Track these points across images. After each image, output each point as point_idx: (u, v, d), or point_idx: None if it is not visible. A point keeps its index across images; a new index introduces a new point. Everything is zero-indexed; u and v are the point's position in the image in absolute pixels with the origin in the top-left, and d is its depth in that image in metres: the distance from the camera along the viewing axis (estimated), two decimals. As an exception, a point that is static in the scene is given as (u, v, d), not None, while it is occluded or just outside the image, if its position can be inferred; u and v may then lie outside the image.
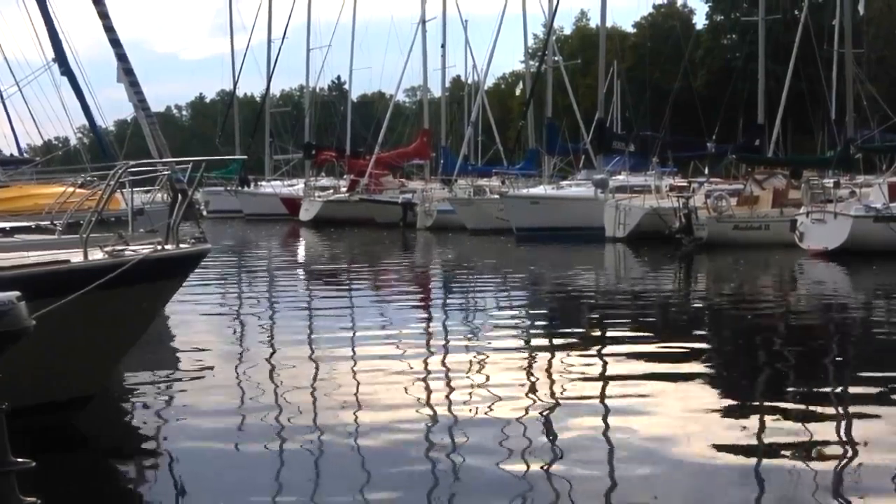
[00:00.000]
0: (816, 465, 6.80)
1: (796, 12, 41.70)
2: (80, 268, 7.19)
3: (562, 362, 10.76)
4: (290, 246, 36.27)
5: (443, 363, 10.86)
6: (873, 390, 9.25)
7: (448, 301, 17.95)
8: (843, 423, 8.19)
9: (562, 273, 23.08)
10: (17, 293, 4.44)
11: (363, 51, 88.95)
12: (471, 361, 10.80)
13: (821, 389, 9.70)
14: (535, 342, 12.56)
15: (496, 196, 38.20)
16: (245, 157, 51.09)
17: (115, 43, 10.48)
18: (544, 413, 8.36)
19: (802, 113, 41.25)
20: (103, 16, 10.36)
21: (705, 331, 13.98)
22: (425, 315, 15.71)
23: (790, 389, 9.60)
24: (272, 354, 11.66)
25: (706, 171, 42.24)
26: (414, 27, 52.41)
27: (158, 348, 11.62)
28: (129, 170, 8.46)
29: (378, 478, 6.66)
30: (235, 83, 63.53)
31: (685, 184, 37.42)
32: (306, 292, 19.67)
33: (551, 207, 35.18)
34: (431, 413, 8.34)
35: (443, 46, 53.48)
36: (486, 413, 8.33)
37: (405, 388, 9.30)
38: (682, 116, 46.50)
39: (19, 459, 4.43)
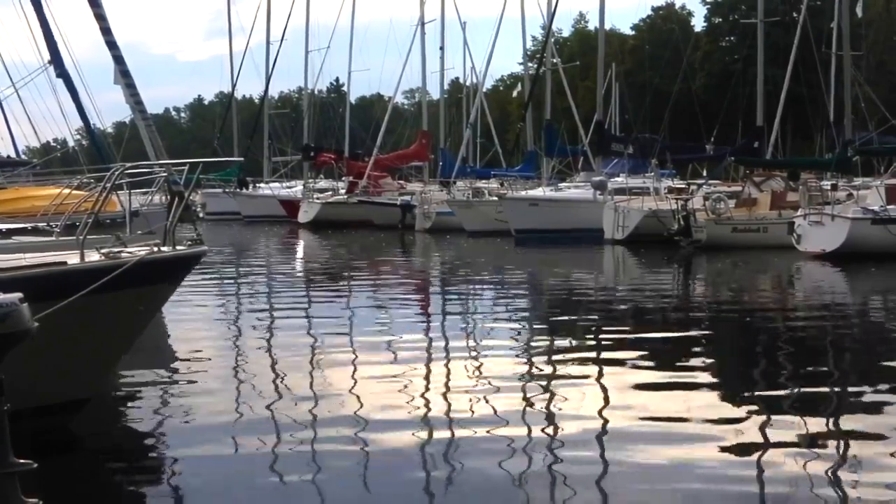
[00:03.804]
0: (815, 476, 6.75)
1: (795, 15, 41.68)
2: (78, 269, 7.18)
3: (560, 370, 10.69)
4: (288, 248, 36.25)
5: (440, 371, 10.79)
6: (875, 398, 9.25)
7: (446, 305, 17.92)
8: (843, 433, 8.15)
9: (561, 276, 23.06)
10: (19, 295, 4.44)
11: (362, 53, 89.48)
12: (469, 367, 10.78)
13: (821, 395, 9.66)
14: (533, 348, 12.45)
15: (495, 198, 38.19)
16: (242, 158, 51.08)
17: (112, 45, 10.51)
18: (543, 420, 8.35)
19: (801, 115, 41.28)
20: (100, 18, 10.38)
21: (704, 335, 13.92)
22: (423, 320, 15.66)
23: (790, 397, 9.56)
24: (270, 356, 11.66)
25: (705, 173, 42.30)
26: (413, 29, 52.47)
27: (155, 350, 11.60)
28: (125, 172, 8.47)
29: (378, 482, 6.65)
30: (234, 85, 63.50)
31: (684, 186, 37.41)
32: (304, 295, 19.65)
33: (550, 209, 35.16)
34: (430, 421, 8.29)
35: (441, 49, 53.58)
36: (485, 418, 8.32)
37: (402, 393, 9.28)
38: (680, 119, 46.56)
39: (21, 460, 4.44)
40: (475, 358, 11.31)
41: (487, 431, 7.81)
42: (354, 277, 23.68)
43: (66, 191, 13.69)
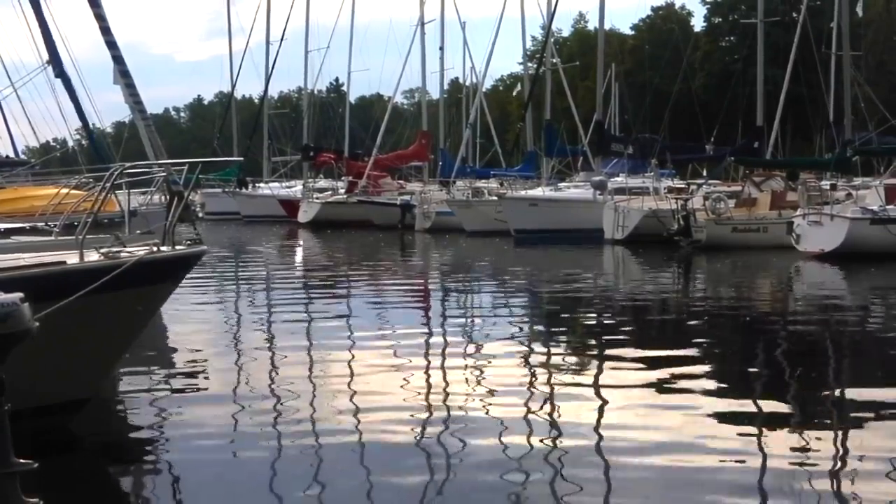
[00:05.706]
0: (814, 477, 6.73)
1: (795, 15, 41.70)
2: (77, 269, 7.18)
3: (559, 371, 10.67)
4: (288, 248, 36.25)
5: (440, 372, 10.79)
6: (873, 399, 9.25)
7: (446, 306, 17.90)
8: (842, 434, 8.14)
9: (560, 276, 23.06)
10: (20, 294, 4.43)
11: (362, 53, 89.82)
12: (469, 368, 10.77)
13: (820, 398, 9.68)
14: (532, 349, 12.43)
15: (495, 198, 38.20)
16: (241, 158, 51.10)
17: (112, 45, 10.51)
18: (542, 421, 8.34)
19: (801, 115, 41.30)
20: (100, 18, 10.38)
21: (703, 336, 13.92)
22: (422, 321, 15.62)
23: (789, 398, 9.57)
24: (269, 355, 11.65)
25: (705, 173, 42.31)
26: (412, 29, 52.49)
27: (154, 350, 11.60)
28: (124, 172, 8.47)
29: (378, 480, 6.65)
30: (233, 85, 63.54)
31: (683, 186, 37.42)
32: (303, 295, 19.64)
33: (550, 209, 35.17)
34: (430, 420, 8.28)
35: (441, 49, 53.62)
36: (484, 420, 8.32)
37: (401, 391, 9.28)
38: (680, 119, 46.59)
39: (21, 460, 4.43)
40: (474, 357, 11.30)
41: (487, 421, 7.82)
42: (354, 277, 23.67)
43: (65, 191, 13.69)
